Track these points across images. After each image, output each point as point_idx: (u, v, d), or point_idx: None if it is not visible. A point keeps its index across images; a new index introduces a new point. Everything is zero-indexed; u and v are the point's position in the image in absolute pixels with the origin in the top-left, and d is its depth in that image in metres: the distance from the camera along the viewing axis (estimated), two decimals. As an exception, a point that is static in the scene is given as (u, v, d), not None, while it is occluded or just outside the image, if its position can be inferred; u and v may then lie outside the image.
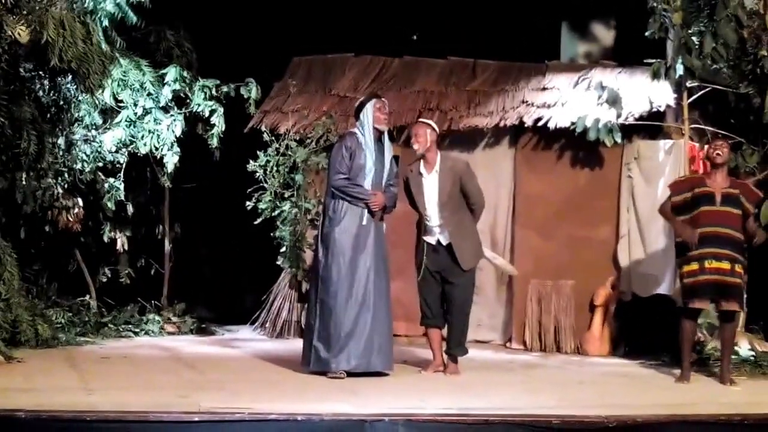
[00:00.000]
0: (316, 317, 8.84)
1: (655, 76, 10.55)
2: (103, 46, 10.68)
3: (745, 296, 9.95)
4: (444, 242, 9.19)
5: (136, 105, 11.84)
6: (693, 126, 10.60)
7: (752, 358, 9.86)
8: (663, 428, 7.04)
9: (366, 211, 8.90)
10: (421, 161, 9.29)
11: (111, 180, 11.85)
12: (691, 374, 9.15)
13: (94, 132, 11.62)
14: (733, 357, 9.80)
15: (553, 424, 6.89)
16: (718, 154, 9.15)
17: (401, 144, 11.72)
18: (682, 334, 9.18)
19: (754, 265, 10.52)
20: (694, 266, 9.08)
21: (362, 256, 8.84)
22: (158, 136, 11.87)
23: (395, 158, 11.49)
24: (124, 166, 11.91)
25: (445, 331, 9.41)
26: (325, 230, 8.92)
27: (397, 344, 10.45)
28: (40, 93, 10.90)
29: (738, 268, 9.05)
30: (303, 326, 9.18)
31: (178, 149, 11.95)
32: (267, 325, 11.93)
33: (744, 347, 10.06)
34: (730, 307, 9.07)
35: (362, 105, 9.11)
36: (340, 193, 8.90)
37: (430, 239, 9.22)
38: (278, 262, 11.78)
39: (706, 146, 9.74)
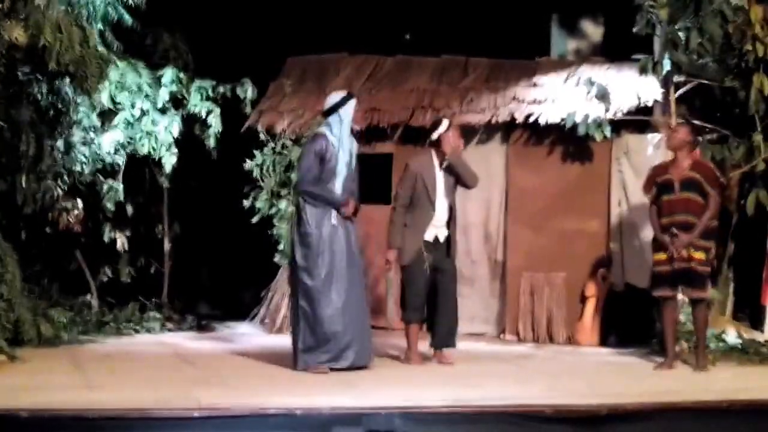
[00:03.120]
0: (301, 320, 8.80)
1: (643, 71, 10.60)
2: (100, 49, 10.80)
3: (730, 274, 10.13)
4: (442, 238, 9.38)
5: (133, 107, 11.90)
6: (680, 120, 10.68)
7: (739, 345, 9.97)
8: (653, 416, 7.08)
9: (334, 211, 8.85)
10: (434, 156, 9.41)
11: (110, 181, 11.93)
12: (675, 362, 9.24)
13: (92, 134, 11.67)
14: (720, 344, 9.96)
15: (545, 414, 6.94)
16: (668, 140, 9.31)
17: (396, 141, 11.89)
18: (663, 323, 9.33)
19: (739, 253, 10.73)
20: (663, 255, 9.17)
21: (338, 255, 8.81)
22: (156, 137, 11.94)
23: (389, 156, 11.74)
24: (123, 167, 12.02)
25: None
26: (302, 232, 8.82)
27: (393, 337, 10.62)
28: (39, 96, 10.97)
29: (698, 254, 9.07)
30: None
31: (176, 150, 12.04)
32: (266, 321, 12.04)
33: (731, 335, 10.21)
34: (694, 295, 9.18)
35: (341, 104, 8.99)
36: (311, 199, 8.81)
37: (429, 235, 9.35)
38: (275, 259, 11.87)
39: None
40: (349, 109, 9.01)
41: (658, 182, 9.28)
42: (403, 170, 9.67)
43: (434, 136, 9.46)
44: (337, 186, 8.89)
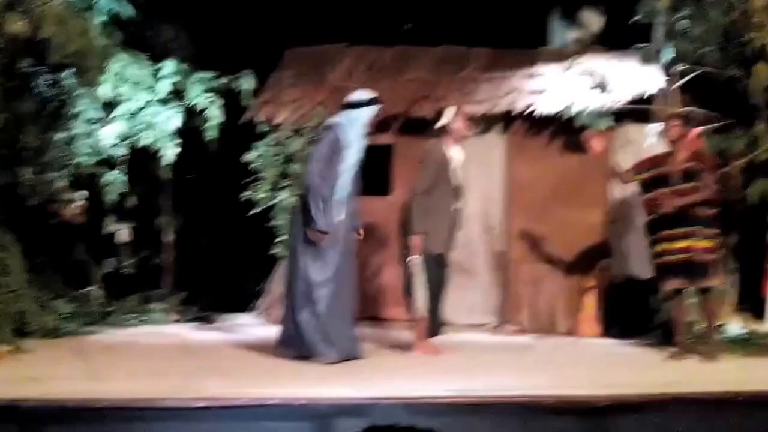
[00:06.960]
0: (315, 307, 8.76)
1: (644, 60, 10.65)
2: (101, 41, 10.83)
3: (733, 265, 10.14)
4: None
5: (134, 99, 11.95)
6: (678, 110, 10.70)
7: (742, 336, 10.01)
8: (656, 407, 7.07)
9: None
10: (447, 143, 9.45)
11: (112, 173, 11.97)
12: (685, 353, 9.25)
13: (94, 126, 11.71)
14: (725, 336, 9.98)
15: (546, 405, 6.95)
16: (667, 133, 9.30)
17: (396, 132, 11.89)
18: (675, 314, 9.35)
19: (742, 244, 10.73)
20: (665, 246, 9.18)
21: (345, 242, 8.87)
22: (157, 128, 12.00)
23: (389, 147, 11.73)
24: (124, 159, 12.04)
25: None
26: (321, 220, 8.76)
27: (395, 329, 10.64)
28: (41, 88, 10.99)
29: (707, 243, 9.09)
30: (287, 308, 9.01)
31: (177, 141, 12.08)
32: (267, 312, 12.07)
33: (734, 326, 10.23)
34: (704, 284, 9.17)
35: (365, 104, 8.93)
36: (309, 194, 8.69)
37: (448, 226, 9.45)
38: (275, 250, 11.85)
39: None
40: (369, 112, 8.95)
41: (656, 174, 9.29)
42: (423, 156, 9.55)
43: (441, 123, 9.50)
44: (340, 183, 8.80)
